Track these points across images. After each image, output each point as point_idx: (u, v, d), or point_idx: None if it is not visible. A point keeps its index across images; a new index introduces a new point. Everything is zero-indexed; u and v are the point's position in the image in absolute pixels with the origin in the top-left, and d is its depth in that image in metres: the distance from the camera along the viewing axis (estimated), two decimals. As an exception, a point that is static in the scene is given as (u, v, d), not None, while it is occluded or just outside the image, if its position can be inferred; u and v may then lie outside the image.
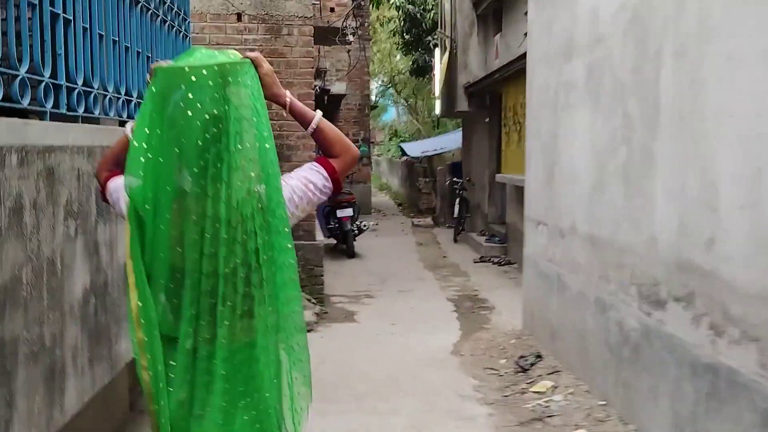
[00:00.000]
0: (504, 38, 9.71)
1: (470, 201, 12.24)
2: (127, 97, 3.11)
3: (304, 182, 1.69)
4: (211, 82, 1.52)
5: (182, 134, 1.54)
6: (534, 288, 5.12)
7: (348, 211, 9.81)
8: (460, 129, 19.84)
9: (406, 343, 5.35)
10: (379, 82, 29.65)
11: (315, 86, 13.36)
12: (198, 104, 1.52)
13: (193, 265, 1.57)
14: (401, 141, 28.02)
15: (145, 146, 1.56)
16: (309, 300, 6.46)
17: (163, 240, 1.58)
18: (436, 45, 14.16)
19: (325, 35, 8.46)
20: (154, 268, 1.60)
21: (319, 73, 13.45)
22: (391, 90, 28.78)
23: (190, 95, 1.52)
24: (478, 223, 11.68)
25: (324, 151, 1.75)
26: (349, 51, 15.62)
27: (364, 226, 10.19)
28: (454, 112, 11.88)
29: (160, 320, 1.61)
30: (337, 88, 14.67)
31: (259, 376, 1.62)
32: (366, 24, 15.80)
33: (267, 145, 1.58)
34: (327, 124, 1.74)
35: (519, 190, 8.62)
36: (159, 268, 1.60)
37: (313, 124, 1.71)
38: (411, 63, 16.57)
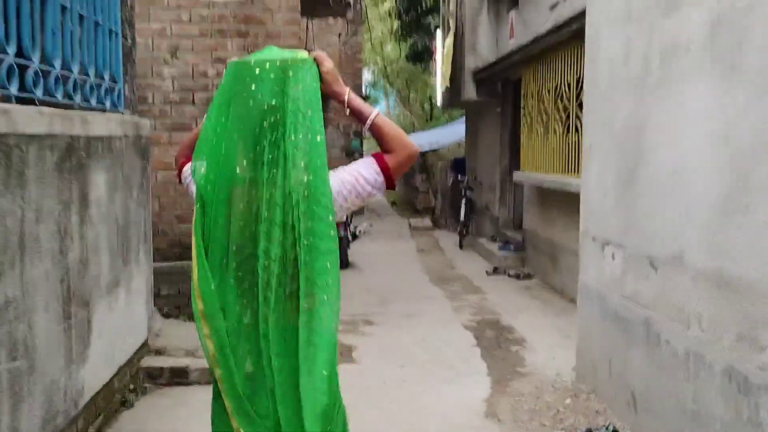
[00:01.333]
0: (521, 14, 8.39)
1: (476, 202, 10.96)
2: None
3: (355, 175, 1.72)
4: (272, 75, 1.64)
5: (244, 122, 1.66)
6: (598, 331, 3.82)
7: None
8: (455, 122, 18.64)
9: (424, 399, 4.04)
10: (370, 72, 28.27)
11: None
12: (259, 95, 1.64)
13: (246, 245, 1.66)
14: (393, 134, 26.70)
15: (209, 134, 1.71)
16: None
17: (221, 220, 1.68)
18: (437, 26, 12.82)
19: (314, 3, 7.09)
20: (211, 246, 1.70)
21: (308, 57, 12.05)
22: (383, 81, 27.41)
23: (252, 86, 1.65)
24: (487, 227, 10.38)
25: (381, 147, 1.77)
26: (339, 35, 14.32)
27: (359, 231, 8.86)
28: (459, 102, 10.56)
29: (218, 294, 1.69)
30: (327, 75, 13.30)
31: (305, 359, 1.64)
32: (359, 5, 14.44)
33: (318, 138, 1.66)
34: (384, 120, 1.77)
35: (543, 192, 7.31)
36: (215, 245, 1.69)
37: (369, 120, 1.76)
38: (409, 48, 15.17)
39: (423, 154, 20.49)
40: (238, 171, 1.66)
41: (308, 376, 1.62)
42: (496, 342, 5.35)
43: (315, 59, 1.70)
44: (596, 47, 3.87)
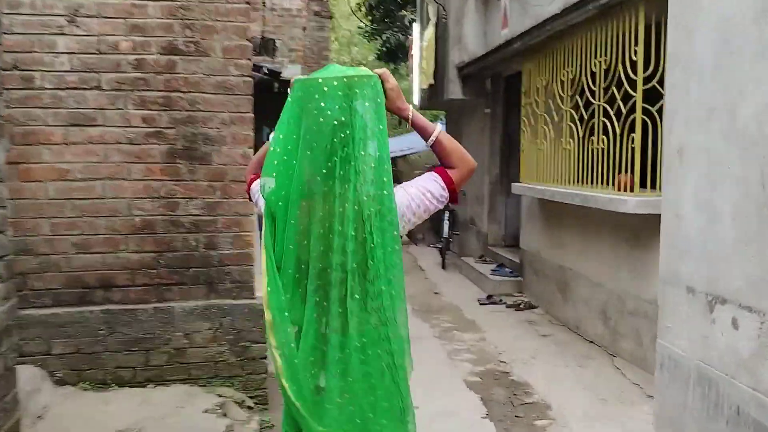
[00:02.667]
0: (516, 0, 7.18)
1: (458, 216, 9.71)
2: None
3: (422, 191, 1.77)
4: (340, 93, 1.65)
5: (314, 138, 1.66)
6: (693, 415, 2.54)
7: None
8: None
9: None
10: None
11: (258, 58, 10.59)
12: (328, 111, 1.65)
13: (318, 258, 1.67)
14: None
15: (279, 150, 1.72)
16: (240, 404, 3.74)
17: (292, 234, 1.69)
18: (413, 20, 11.56)
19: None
20: (283, 259, 1.71)
21: (266, 48, 10.66)
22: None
23: (322, 104, 1.66)
24: (472, 244, 9.13)
25: (442, 162, 1.81)
26: (304, 28, 12.95)
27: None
28: (440, 102, 9.31)
29: (288, 307, 1.72)
30: (291, 72, 11.88)
31: (381, 370, 1.70)
32: (326, -4, 13.17)
33: (384, 155, 1.68)
34: (446, 136, 1.81)
35: (551, 208, 6.07)
36: (287, 259, 1.71)
37: (433, 137, 1.79)
38: (381, 45, 13.84)
39: (393, 161, 19.27)
40: (310, 186, 1.69)
41: (382, 387, 1.69)
42: (511, 409, 4.05)
43: (380, 76, 1.74)
44: (691, 8, 2.61)
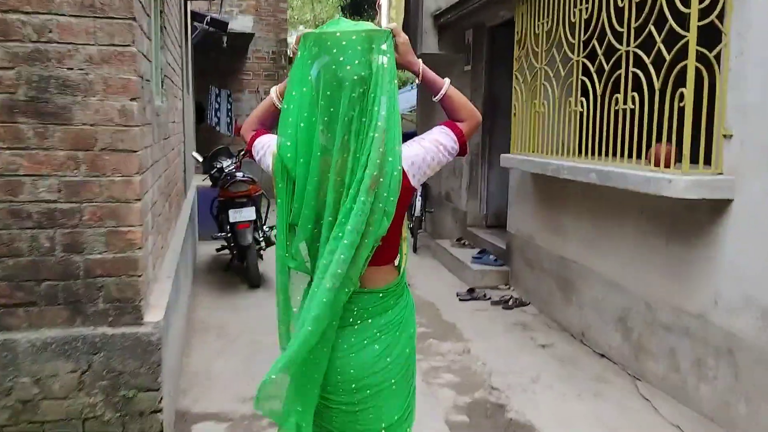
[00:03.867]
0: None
1: (432, 190, 8.49)
2: None
3: (435, 143, 1.79)
4: (359, 47, 1.64)
5: (333, 93, 1.65)
6: None
7: (246, 214, 5.79)
8: (401, 90, 16.13)
9: None
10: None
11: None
12: (348, 66, 1.64)
13: (332, 214, 1.68)
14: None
15: (293, 107, 1.70)
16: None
17: (310, 191, 1.70)
18: (381, -36, 10.14)
19: None
20: (300, 216, 1.73)
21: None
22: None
23: (341, 58, 1.64)
24: (447, 223, 7.94)
25: (451, 116, 1.84)
26: (257, -26, 11.42)
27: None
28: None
29: (299, 263, 1.81)
30: (241, 23, 10.40)
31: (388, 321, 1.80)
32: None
33: (395, 110, 1.68)
34: (455, 91, 1.82)
35: (549, 185, 4.88)
36: (305, 216, 1.72)
37: (442, 91, 1.80)
38: (344, -5, 12.32)
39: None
40: (327, 141, 1.69)
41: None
42: (514, 471, 2.90)
43: (391, 31, 1.72)
44: None
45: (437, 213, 8.37)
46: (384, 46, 1.65)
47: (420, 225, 7.80)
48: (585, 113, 4.21)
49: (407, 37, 1.75)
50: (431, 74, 1.79)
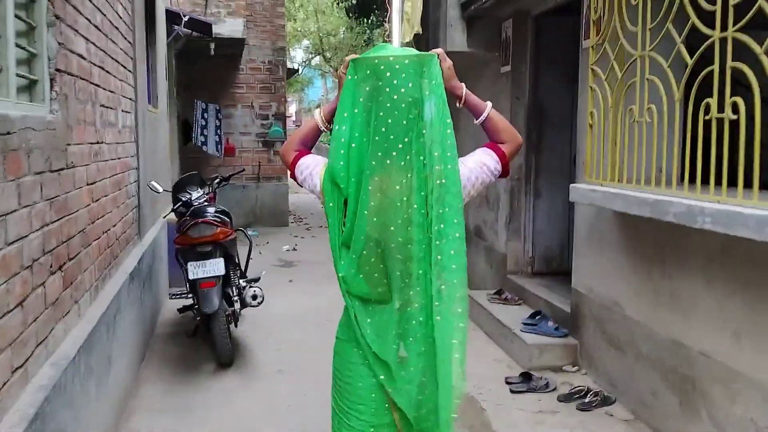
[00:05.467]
0: None
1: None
2: None
3: (480, 164, 1.88)
4: (412, 71, 1.74)
5: (389, 116, 1.74)
6: None
7: (212, 268, 4.14)
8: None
9: None
10: (302, 49, 23.83)
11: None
12: (402, 89, 1.73)
13: (392, 234, 1.76)
14: (331, 122, 22.48)
15: (345, 128, 1.78)
16: None
17: (363, 211, 1.76)
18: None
19: None
20: (353, 236, 1.79)
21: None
22: (317, 59, 23.01)
23: (395, 81, 1.74)
24: (480, 267, 6.29)
25: (493, 139, 1.93)
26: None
27: (255, 293, 4.47)
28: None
29: (352, 282, 1.83)
30: (229, 27, 8.88)
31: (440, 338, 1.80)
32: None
33: (448, 131, 1.77)
34: (496, 114, 1.92)
35: (648, 229, 3.16)
36: (357, 236, 1.78)
37: (484, 114, 1.90)
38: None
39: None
40: (383, 162, 1.74)
41: (443, 358, 1.79)
42: None
43: (438, 56, 1.80)
44: None
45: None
46: (433, 70, 1.76)
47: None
48: (726, 123, 2.57)
49: (451, 62, 1.86)
50: (474, 98, 1.91)
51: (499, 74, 5.77)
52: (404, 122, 1.73)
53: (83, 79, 3.07)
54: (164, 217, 4.92)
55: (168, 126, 7.51)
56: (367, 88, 1.75)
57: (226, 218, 4.58)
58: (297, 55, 23.90)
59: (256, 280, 4.81)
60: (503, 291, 5.40)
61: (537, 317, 4.60)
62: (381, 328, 1.81)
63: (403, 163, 1.73)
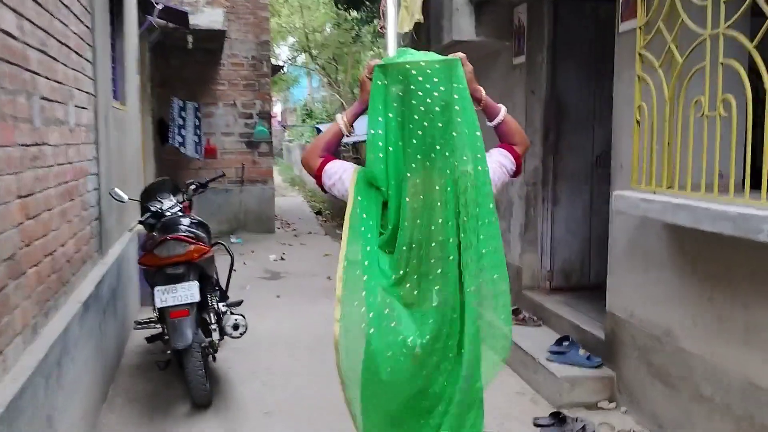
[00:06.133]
0: None
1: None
2: None
3: (499, 164, 1.97)
4: (442, 75, 1.79)
5: (424, 118, 1.77)
6: None
7: (183, 294, 3.44)
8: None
9: None
10: (287, 47, 23.14)
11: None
12: (435, 93, 1.77)
13: (433, 234, 1.80)
14: (318, 122, 21.80)
15: (381, 132, 1.82)
16: None
17: (406, 212, 1.80)
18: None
19: None
20: (398, 237, 1.81)
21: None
22: (303, 57, 22.30)
23: (427, 85, 1.77)
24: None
25: (505, 140, 2.02)
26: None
27: (237, 322, 3.79)
28: (441, 48, 5.75)
29: (387, 285, 1.84)
30: (209, 18, 8.19)
31: (472, 333, 1.86)
32: None
33: (477, 133, 1.84)
34: (510, 118, 2.00)
35: (709, 243, 2.54)
36: (400, 239, 1.80)
37: (499, 118, 1.98)
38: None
39: (356, 149, 15.72)
40: (420, 164, 1.79)
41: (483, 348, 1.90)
42: None
43: (461, 60, 1.86)
44: None
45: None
46: (459, 73, 1.82)
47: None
48: None
49: (472, 67, 1.90)
50: (490, 102, 1.98)
51: (512, 66, 5.16)
52: (440, 125, 1.78)
53: (12, 63, 2.40)
54: (130, 230, 4.23)
55: (140, 126, 6.81)
56: (399, 93, 1.79)
57: (202, 233, 3.91)
58: (282, 53, 23.19)
59: (238, 303, 4.15)
60: (520, 310, 4.78)
61: (565, 343, 3.98)
62: (417, 323, 1.83)
63: (440, 165, 1.79)
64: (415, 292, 1.81)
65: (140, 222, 4.20)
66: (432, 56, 1.82)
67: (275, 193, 11.13)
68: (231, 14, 10.03)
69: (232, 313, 3.79)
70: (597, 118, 4.94)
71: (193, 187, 4.57)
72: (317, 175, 1.98)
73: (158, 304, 3.42)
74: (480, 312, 1.83)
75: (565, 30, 4.80)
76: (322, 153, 1.99)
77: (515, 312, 4.76)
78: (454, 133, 1.78)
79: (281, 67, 13.37)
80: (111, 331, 4.03)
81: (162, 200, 4.37)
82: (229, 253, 4.54)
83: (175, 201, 4.39)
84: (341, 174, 1.93)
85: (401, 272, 1.81)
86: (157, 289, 3.44)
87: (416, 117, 1.77)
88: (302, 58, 22.47)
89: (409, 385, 1.82)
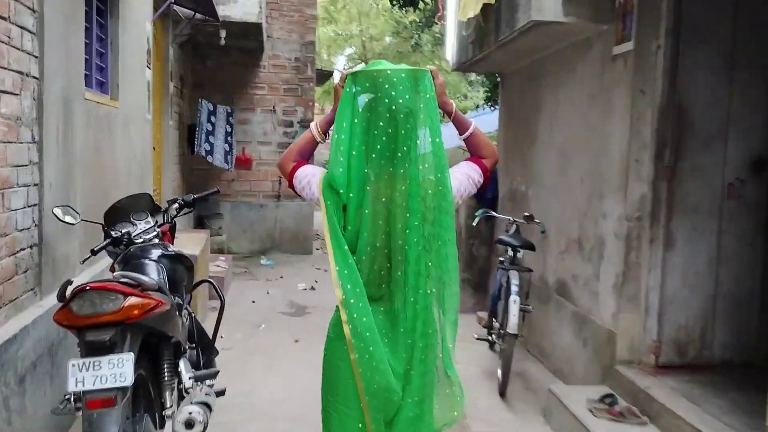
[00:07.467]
0: None
1: (530, 279, 4.83)
2: None
3: (466, 176, 2.02)
4: (408, 84, 1.86)
5: (388, 125, 1.85)
6: None
7: (111, 372, 2.23)
8: (470, 114, 12.69)
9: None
10: (345, 57, 22.25)
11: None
12: (400, 100, 1.84)
13: (393, 238, 1.88)
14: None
15: (344, 137, 1.88)
16: None
17: (365, 217, 1.87)
18: None
19: None
20: (359, 241, 1.88)
21: None
22: (361, 67, 21.33)
23: (393, 93, 1.85)
24: (565, 342, 4.26)
25: (474, 153, 2.09)
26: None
27: (192, 417, 2.55)
28: (514, 33, 4.40)
29: (365, 284, 1.90)
30: (242, 9, 7.17)
31: (433, 334, 1.94)
32: None
33: (438, 141, 1.89)
34: (479, 131, 2.07)
35: None
36: (361, 241, 1.88)
37: (469, 131, 2.04)
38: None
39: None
40: (382, 170, 1.86)
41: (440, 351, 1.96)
42: None
43: (431, 72, 1.93)
44: None
45: (540, 316, 4.71)
46: (427, 84, 1.88)
47: (512, 347, 4.10)
48: None
49: (443, 80, 1.99)
50: (460, 115, 2.04)
51: (611, 57, 3.80)
52: (403, 132, 1.85)
53: None
54: (82, 262, 3.12)
55: (149, 129, 5.79)
56: (366, 100, 1.86)
57: (163, 275, 2.74)
58: (338, 63, 22.32)
59: (213, 375, 2.94)
60: (615, 398, 3.38)
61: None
62: (380, 327, 1.89)
63: (402, 170, 1.86)
64: (380, 292, 1.92)
65: (93, 252, 3.06)
66: (402, 66, 1.89)
67: (315, 210, 10.02)
68: (273, 10, 9.05)
69: (192, 403, 2.56)
70: (732, 131, 3.54)
71: (176, 205, 3.45)
72: (289, 179, 2.06)
73: (71, 387, 2.24)
74: (435, 316, 1.91)
75: (694, 7, 3.43)
76: (295, 158, 2.07)
77: (606, 399, 3.36)
78: (417, 141, 1.85)
79: (331, 74, 12.31)
80: (37, 411, 2.88)
81: (136, 222, 3.25)
82: (220, 297, 3.40)
83: (153, 223, 3.26)
84: (310, 178, 2.00)
85: (366, 273, 1.89)
86: (71, 364, 2.26)
87: (381, 123, 1.84)
88: (360, 68, 21.54)
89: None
